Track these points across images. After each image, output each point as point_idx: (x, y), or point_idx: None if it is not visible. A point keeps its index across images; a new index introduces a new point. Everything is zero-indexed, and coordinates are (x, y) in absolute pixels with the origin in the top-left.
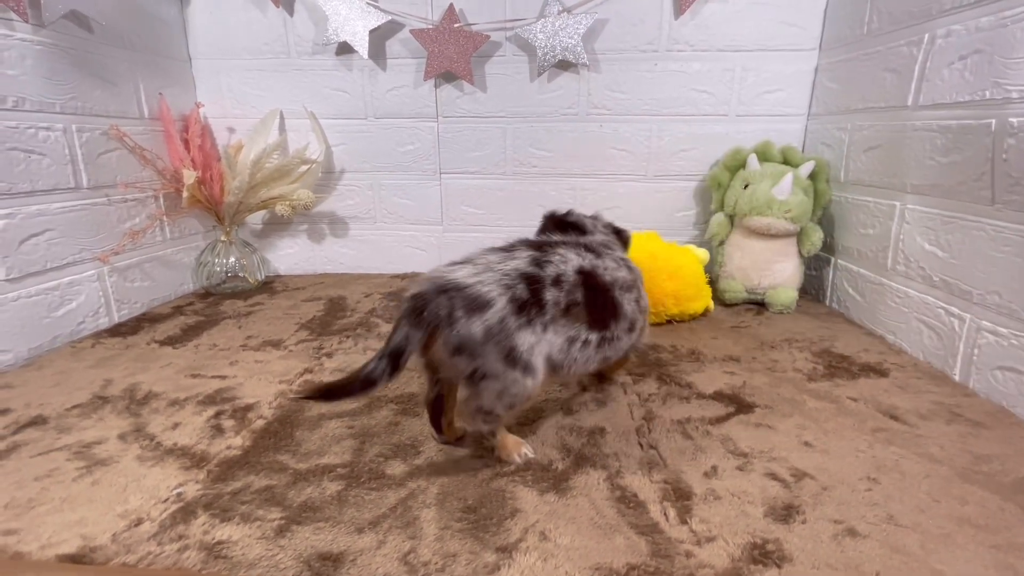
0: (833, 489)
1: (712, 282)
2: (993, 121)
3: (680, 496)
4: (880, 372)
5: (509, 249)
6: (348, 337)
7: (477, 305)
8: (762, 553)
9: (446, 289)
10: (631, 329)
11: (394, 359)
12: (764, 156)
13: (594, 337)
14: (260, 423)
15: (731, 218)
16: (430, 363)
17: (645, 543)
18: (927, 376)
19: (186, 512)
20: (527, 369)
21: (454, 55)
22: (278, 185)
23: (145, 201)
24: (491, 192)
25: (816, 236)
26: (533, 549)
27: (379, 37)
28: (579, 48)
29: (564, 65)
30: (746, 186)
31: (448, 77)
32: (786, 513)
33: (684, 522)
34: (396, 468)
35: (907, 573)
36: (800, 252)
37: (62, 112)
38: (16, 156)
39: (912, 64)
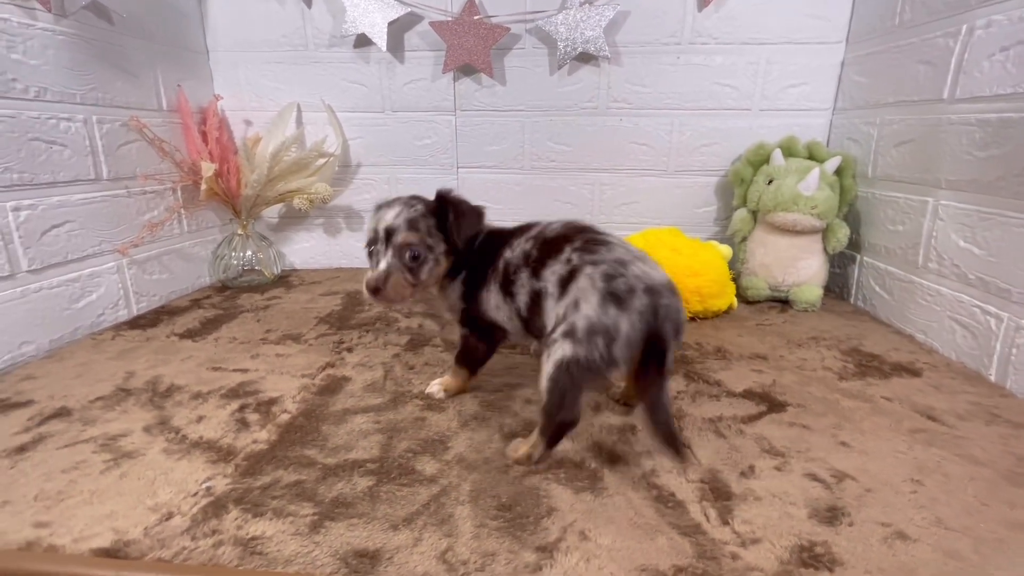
0: (876, 491)
1: (734, 279)
2: None
3: (719, 496)
4: (912, 372)
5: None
6: (368, 331)
7: None
8: (811, 556)
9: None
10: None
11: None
12: (789, 151)
13: None
14: (285, 417)
15: (754, 214)
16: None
17: (689, 544)
18: (961, 376)
19: (217, 506)
20: None
21: (473, 48)
22: (296, 178)
23: (163, 193)
24: (508, 187)
25: (842, 232)
26: (574, 549)
27: (397, 29)
28: (600, 40)
29: (584, 58)
30: (770, 181)
31: (467, 70)
32: (831, 515)
33: (726, 523)
34: (426, 464)
35: None
36: (825, 249)
37: (83, 103)
38: (38, 147)
39: (948, 56)
